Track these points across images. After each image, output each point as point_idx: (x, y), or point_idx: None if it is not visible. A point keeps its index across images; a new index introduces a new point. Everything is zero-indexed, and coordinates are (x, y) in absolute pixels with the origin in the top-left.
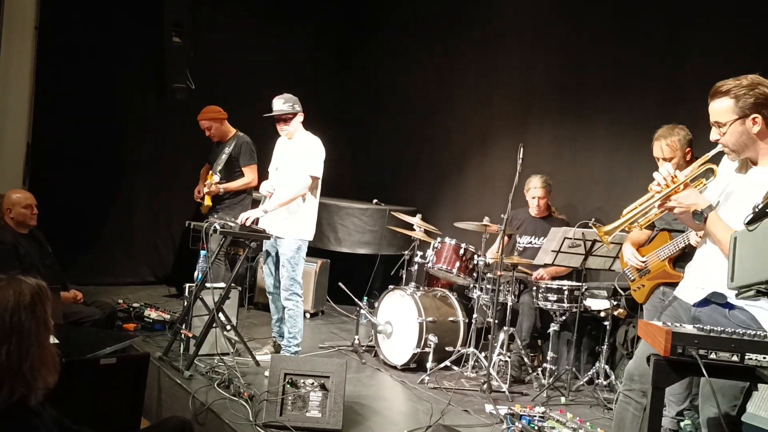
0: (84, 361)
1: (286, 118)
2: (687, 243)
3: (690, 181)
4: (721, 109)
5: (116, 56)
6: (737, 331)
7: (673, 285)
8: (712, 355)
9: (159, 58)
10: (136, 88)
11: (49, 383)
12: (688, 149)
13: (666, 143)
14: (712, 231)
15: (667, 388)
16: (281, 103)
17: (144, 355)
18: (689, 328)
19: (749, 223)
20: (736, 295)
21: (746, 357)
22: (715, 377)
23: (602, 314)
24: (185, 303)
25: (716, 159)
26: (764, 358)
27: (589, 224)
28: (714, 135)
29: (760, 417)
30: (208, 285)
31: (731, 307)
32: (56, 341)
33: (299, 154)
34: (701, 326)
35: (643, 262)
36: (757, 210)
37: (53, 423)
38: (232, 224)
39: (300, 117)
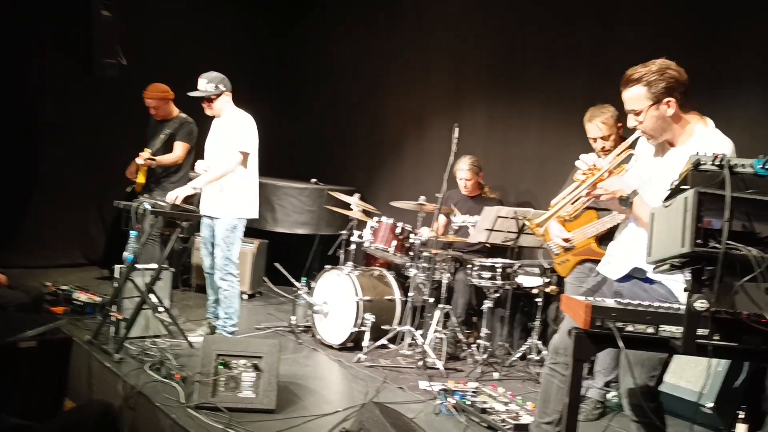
0: (1, 345)
1: (209, 98)
2: (616, 223)
3: (613, 168)
4: (634, 96)
5: (41, 30)
6: (653, 304)
7: (599, 262)
8: (629, 328)
9: (87, 33)
10: (63, 63)
11: None
12: (620, 125)
13: (601, 121)
14: (638, 215)
15: (595, 359)
16: (205, 83)
17: (66, 338)
18: (609, 302)
19: (665, 200)
20: (653, 270)
21: (661, 329)
22: (633, 348)
23: (534, 291)
24: (115, 285)
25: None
26: (677, 329)
27: (520, 219)
28: (631, 122)
29: (675, 386)
30: (138, 266)
31: (651, 281)
32: None
33: (228, 131)
34: (619, 300)
35: (568, 240)
36: (673, 187)
37: None
38: (163, 204)
39: (226, 96)
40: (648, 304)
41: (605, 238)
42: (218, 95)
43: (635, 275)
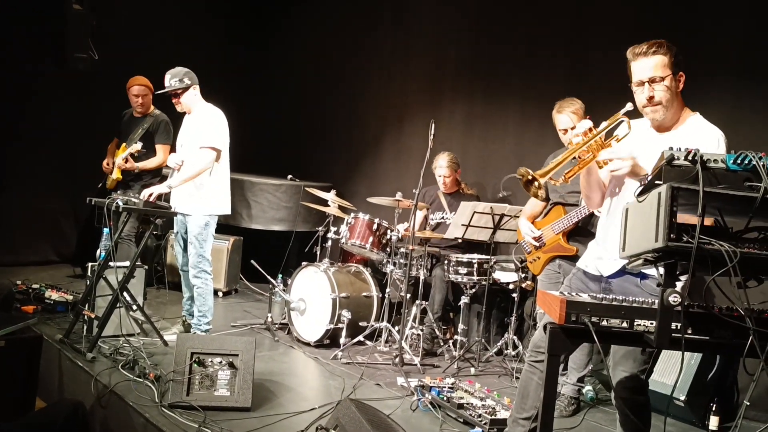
0: None
1: (176, 94)
2: (581, 217)
3: (605, 133)
4: (659, 63)
5: (11, 24)
6: (627, 298)
7: (567, 258)
8: (604, 322)
9: (58, 27)
10: (34, 56)
11: None
12: (588, 117)
13: (572, 111)
14: None
15: (569, 356)
16: (169, 79)
17: (36, 337)
18: (583, 297)
19: (639, 195)
20: (627, 264)
21: (635, 323)
22: (608, 343)
23: (511, 286)
24: (88, 283)
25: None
26: (651, 323)
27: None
28: (646, 93)
29: (656, 381)
30: (111, 264)
31: (644, 276)
32: None
33: (198, 127)
34: (594, 294)
35: (539, 236)
36: (646, 182)
37: None
38: (136, 200)
39: (193, 90)
40: (623, 298)
41: (573, 233)
42: (185, 89)
43: (628, 270)
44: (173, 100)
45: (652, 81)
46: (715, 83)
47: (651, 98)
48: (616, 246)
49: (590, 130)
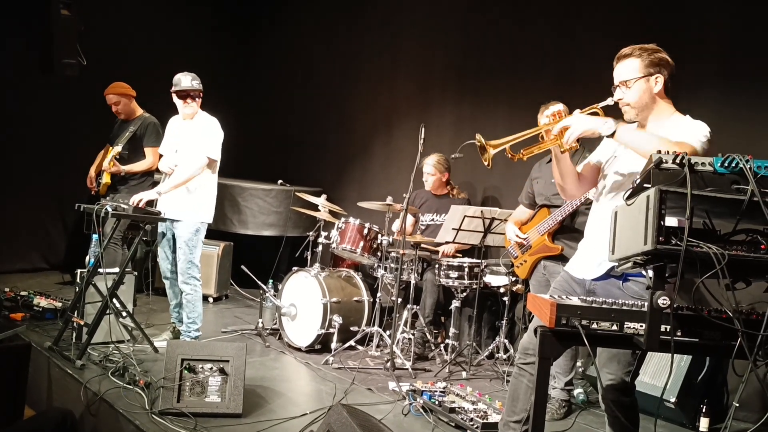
0: None
1: (194, 95)
2: (565, 215)
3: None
4: (628, 68)
5: None
6: (617, 301)
7: (553, 258)
8: (594, 325)
9: (46, 32)
10: (22, 62)
11: None
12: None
13: (558, 109)
14: (626, 140)
15: (554, 360)
16: (190, 80)
17: (25, 344)
18: (574, 300)
19: (628, 198)
20: (616, 267)
21: (625, 326)
22: (598, 346)
23: (501, 290)
24: (77, 290)
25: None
26: (640, 326)
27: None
28: (618, 95)
29: (639, 381)
30: (100, 270)
31: (626, 279)
32: None
33: (198, 134)
34: (584, 297)
35: (524, 238)
36: (635, 185)
37: None
38: (125, 206)
39: (199, 96)
40: (612, 301)
41: (558, 232)
42: (200, 92)
43: (612, 273)
44: (184, 101)
45: (622, 84)
46: (701, 88)
47: (620, 100)
48: (600, 249)
49: (559, 113)
